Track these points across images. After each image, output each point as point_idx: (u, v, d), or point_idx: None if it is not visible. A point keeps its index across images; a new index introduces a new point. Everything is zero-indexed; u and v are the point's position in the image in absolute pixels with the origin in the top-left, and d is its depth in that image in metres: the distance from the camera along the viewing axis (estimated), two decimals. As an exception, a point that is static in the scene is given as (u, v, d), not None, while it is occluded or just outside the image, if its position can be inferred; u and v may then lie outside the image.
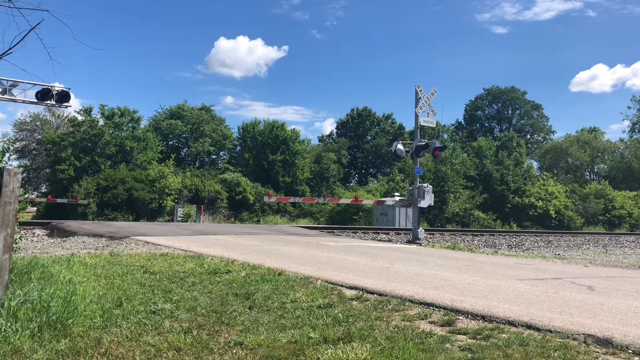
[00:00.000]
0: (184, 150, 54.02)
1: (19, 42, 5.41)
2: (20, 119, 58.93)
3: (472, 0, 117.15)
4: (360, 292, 6.24)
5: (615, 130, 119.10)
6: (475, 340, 4.27)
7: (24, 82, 19.07)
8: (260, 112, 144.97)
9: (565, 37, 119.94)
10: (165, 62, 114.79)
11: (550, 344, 4.10)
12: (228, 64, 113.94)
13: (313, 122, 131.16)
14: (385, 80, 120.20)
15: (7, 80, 18.96)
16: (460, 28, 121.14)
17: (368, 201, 26.03)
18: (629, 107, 67.63)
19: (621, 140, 67.85)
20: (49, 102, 20.00)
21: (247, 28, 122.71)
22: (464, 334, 4.49)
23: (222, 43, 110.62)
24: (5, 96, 19.07)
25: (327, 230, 21.17)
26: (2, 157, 6.00)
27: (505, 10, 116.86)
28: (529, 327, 4.70)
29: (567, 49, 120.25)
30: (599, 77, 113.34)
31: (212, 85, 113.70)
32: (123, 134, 42.81)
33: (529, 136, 75.50)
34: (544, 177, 50.11)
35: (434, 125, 20.62)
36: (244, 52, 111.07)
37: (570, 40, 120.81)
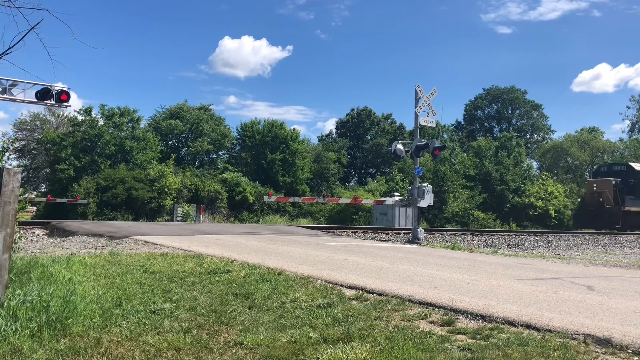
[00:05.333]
0: (184, 150, 54.05)
1: (18, 41, 5.42)
2: (20, 118, 58.88)
3: (477, 0, 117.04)
4: (360, 291, 6.24)
5: (616, 131, 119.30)
6: (474, 340, 4.27)
7: (23, 82, 19.02)
8: (263, 112, 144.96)
9: (569, 37, 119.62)
10: (168, 62, 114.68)
11: (549, 344, 4.11)
12: (232, 63, 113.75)
13: (315, 122, 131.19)
14: (386, 80, 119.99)
15: (7, 80, 18.92)
16: (464, 28, 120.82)
17: (368, 201, 26.04)
18: (628, 107, 67.73)
19: (621, 140, 67.96)
20: (48, 101, 19.96)
21: (252, 28, 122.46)
22: (464, 333, 4.49)
23: (227, 42, 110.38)
24: (5, 96, 19.04)
25: (327, 230, 21.17)
26: (2, 157, 6.00)
27: (510, 10, 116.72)
28: (528, 326, 4.70)
29: (571, 48, 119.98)
30: (602, 77, 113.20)
31: (215, 85, 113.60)
32: (123, 133, 42.82)
33: (528, 136, 75.51)
34: (544, 176, 50.11)
35: (434, 125, 20.61)
36: (249, 52, 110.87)
37: (574, 40, 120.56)
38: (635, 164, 39.82)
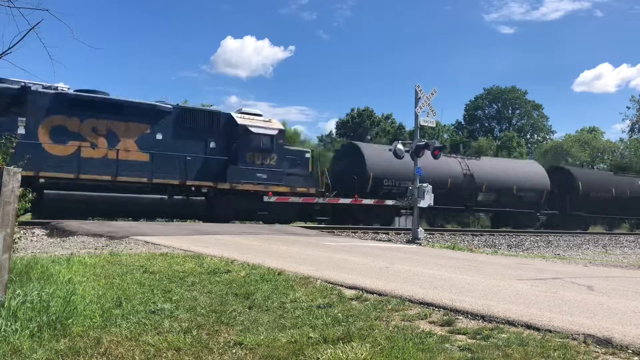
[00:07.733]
0: (184, 150, 54.00)
1: (18, 42, 5.42)
2: (20, 118, 58.79)
3: (480, 0, 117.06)
4: (360, 291, 6.23)
5: (617, 131, 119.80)
6: (474, 340, 4.27)
7: (23, 82, 19.02)
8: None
9: (571, 36, 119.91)
10: (169, 62, 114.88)
11: (549, 344, 4.10)
12: (234, 63, 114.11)
13: (317, 122, 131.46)
14: (387, 80, 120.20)
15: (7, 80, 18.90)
16: (467, 28, 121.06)
17: (368, 201, 25.98)
18: (628, 107, 67.75)
19: (621, 140, 68.01)
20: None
21: (254, 28, 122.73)
22: (464, 333, 4.49)
23: (229, 42, 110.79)
24: (5, 96, 19.00)
25: (327, 230, 21.16)
26: (8, 159, 5.99)
27: (512, 11, 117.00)
28: (528, 327, 4.69)
29: (573, 48, 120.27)
30: (604, 77, 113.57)
31: (216, 85, 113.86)
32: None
33: (529, 136, 75.51)
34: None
35: (434, 125, 20.65)
36: (251, 52, 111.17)
37: (576, 40, 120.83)
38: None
